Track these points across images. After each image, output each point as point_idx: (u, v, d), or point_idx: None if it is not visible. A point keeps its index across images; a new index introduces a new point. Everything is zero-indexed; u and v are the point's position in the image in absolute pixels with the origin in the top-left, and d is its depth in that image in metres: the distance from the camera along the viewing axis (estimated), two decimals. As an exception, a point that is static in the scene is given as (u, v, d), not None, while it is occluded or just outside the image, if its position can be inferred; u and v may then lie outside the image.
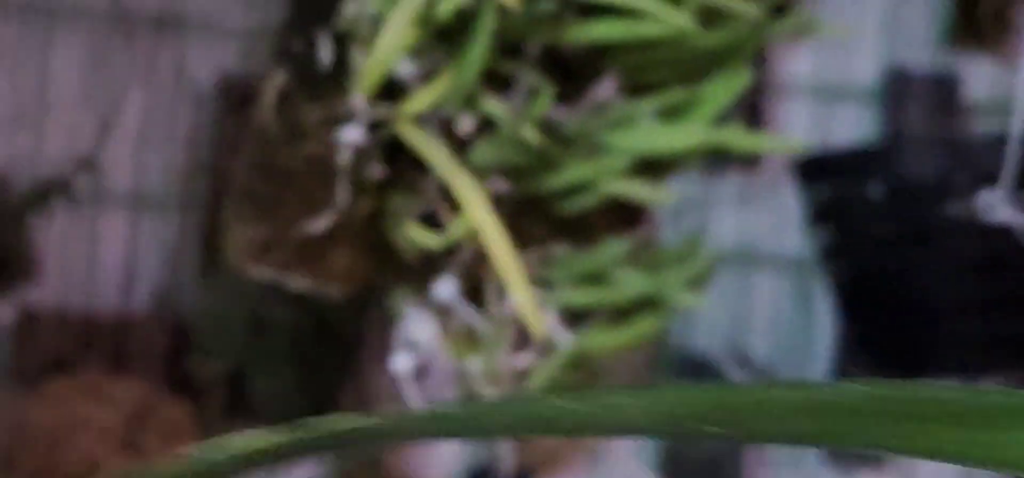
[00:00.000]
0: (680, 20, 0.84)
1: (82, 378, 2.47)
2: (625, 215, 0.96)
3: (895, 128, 2.56)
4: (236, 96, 2.55)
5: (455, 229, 0.86)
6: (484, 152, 0.86)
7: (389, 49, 0.81)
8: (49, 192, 2.42)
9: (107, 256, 2.67)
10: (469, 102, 0.85)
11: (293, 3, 0.87)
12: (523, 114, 0.85)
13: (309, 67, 0.86)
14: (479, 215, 0.84)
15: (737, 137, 0.90)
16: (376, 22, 0.86)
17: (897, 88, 2.56)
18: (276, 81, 0.87)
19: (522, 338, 0.93)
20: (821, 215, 2.21)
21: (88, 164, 2.47)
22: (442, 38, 0.85)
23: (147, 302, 2.66)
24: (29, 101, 2.60)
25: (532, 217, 0.91)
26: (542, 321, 0.85)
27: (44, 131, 2.61)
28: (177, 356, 2.53)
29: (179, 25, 2.61)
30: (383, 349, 2.68)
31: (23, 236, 2.47)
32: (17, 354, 2.58)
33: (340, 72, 0.86)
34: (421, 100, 0.85)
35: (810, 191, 2.22)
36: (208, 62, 2.64)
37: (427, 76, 0.85)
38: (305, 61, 0.86)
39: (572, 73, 0.92)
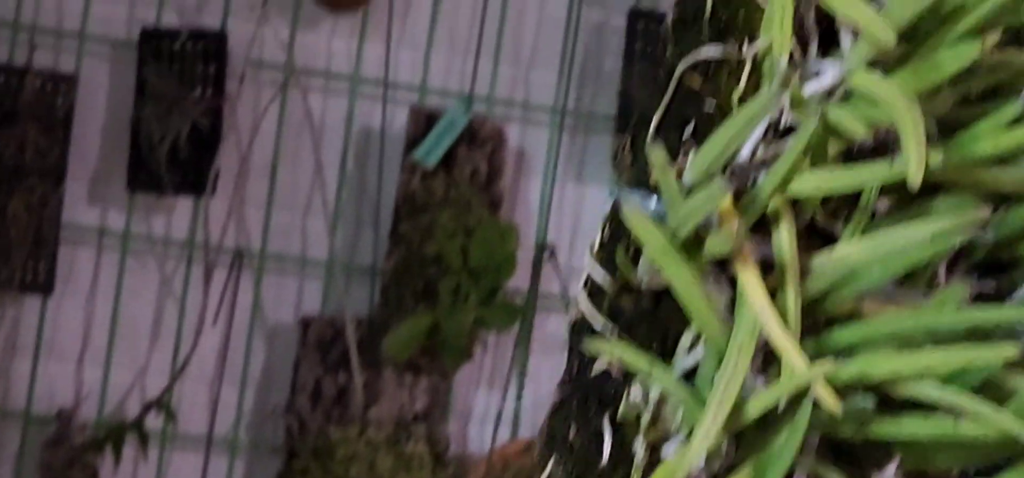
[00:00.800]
0: (1009, 423, 0.74)
1: None
2: None
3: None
4: (315, 337, 2.42)
5: None
6: (779, 561, 0.75)
7: (694, 456, 0.71)
8: (119, 433, 2.27)
9: (175, 500, 2.51)
10: (766, 506, 0.75)
11: (568, 386, 0.76)
12: (824, 520, 0.74)
13: (584, 457, 0.75)
14: None
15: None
16: (660, 410, 0.75)
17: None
18: (545, 470, 0.76)
19: None
20: None
21: (159, 404, 2.33)
22: (737, 435, 0.75)
23: (214, 550, 2.51)
24: (99, 334, 2.46)
25: None
26: None
27: (114, 365, 2.46)
28: None
29: (257, 259, 2.47)
30: None
31: (90, 477, 2.33)
32: None
33: (618, 463, 0.75)
34: (714, 504, 0.74)
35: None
36: (286, 300, 2.51)
37: (717, 473, 0.75)
38: (580, 451, 0.75)
39: (851, 458, 0.82)
